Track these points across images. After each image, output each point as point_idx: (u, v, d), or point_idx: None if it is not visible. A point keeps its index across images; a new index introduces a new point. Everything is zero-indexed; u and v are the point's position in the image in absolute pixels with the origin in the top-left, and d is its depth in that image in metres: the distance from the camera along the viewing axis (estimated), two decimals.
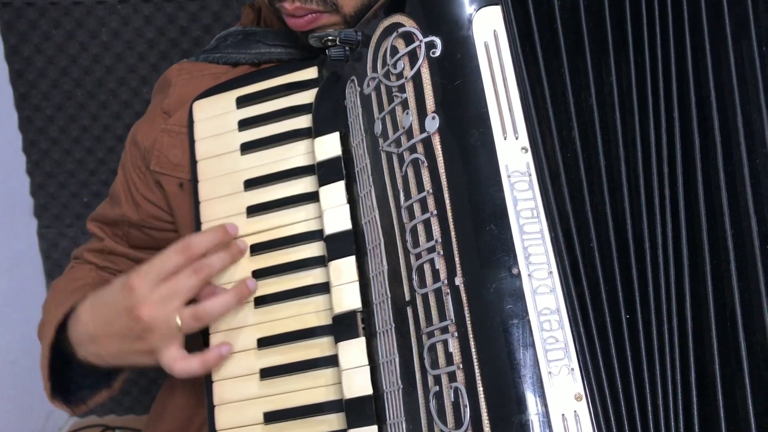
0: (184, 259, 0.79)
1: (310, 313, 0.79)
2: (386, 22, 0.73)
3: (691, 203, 0.66)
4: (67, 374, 0.94)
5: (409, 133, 0.70)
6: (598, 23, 0.70)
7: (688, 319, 0.64)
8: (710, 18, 0.67)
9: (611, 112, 0.69)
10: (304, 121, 0.84)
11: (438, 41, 0.69)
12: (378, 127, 0.74)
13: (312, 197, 0.81)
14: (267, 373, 0.79)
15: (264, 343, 0.80)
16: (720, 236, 0.64)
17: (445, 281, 0.65)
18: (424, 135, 0.69)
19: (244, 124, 0.87)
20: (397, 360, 0.70)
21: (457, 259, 0.65)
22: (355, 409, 0.73)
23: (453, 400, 0.64)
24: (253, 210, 0.84)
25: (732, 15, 0.67)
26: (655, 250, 0.65)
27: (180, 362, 0.79)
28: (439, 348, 0.65)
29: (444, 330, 0.65)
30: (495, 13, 0.69)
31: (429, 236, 0.67)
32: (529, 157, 0.66)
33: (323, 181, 0.80)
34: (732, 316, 0.63)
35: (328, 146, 0.80)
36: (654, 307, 0.65)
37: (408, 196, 0.70)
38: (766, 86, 0.65)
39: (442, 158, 0.67)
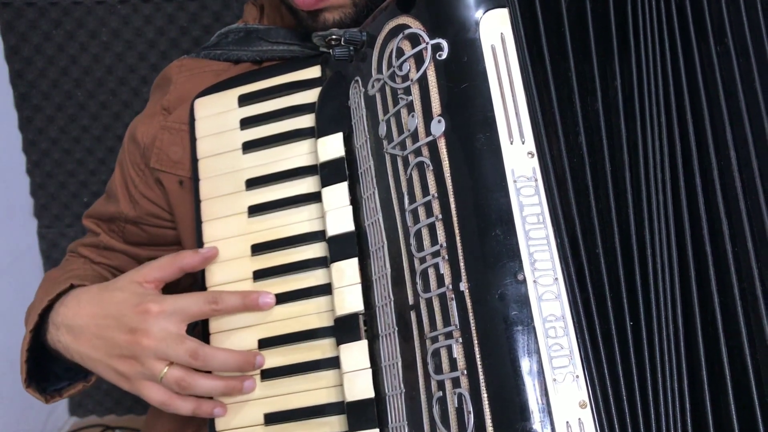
0: (210, 311, 0.78)
1: (311, 314, 0.79)
2: (392, 23, 0.72)
3: (678, 208, 0.66)
4: (47, 364, 0.92)
5: (415, 136, 0.69)
6: (604, 26, 0.70)
7: (680, 326, 0.64)
8: (680, 18, 0.68)
9: (616, 117, 0.68)
10: (306, 121, 0.84)
11: (444, 44, 0.68)
12: (382, 129, 0.73)
13: (314, 198, 0.81)
14: (268, 374, 0.79)
15: (265, 344, 0.79)
16: (700, 240, 0.65)
17: (450, 286, 0.65)
18: (430, 138, 0.68)
19: (246, 123, 0.86)
20: (399, 364, 0.70)
21: (461, 264, 0.65)
22: (357, 412, 0.72)
23: (456, 405, 0.63)
24: (255, 210, 0.83)
25: (694, 14, 0.67)
26: (655, 257, 0.65)
27: (175, 399, 0.78)
28: (443, 353, 0.65)
29: (448, 335, 0.65)
30: (502, 15, 0.68)
31: (434, 240, 0.67)
32: (535, 162, 0.65)
33: (326, 182, 0.79)
34: (713, 320, 0.63)
35: (332, 147, 0.80)
36: (655, 314, 0.64)
37: (413, 200, 0.69)
38: (725, 86, 0.65)
39: (447, 162, 0.67)
